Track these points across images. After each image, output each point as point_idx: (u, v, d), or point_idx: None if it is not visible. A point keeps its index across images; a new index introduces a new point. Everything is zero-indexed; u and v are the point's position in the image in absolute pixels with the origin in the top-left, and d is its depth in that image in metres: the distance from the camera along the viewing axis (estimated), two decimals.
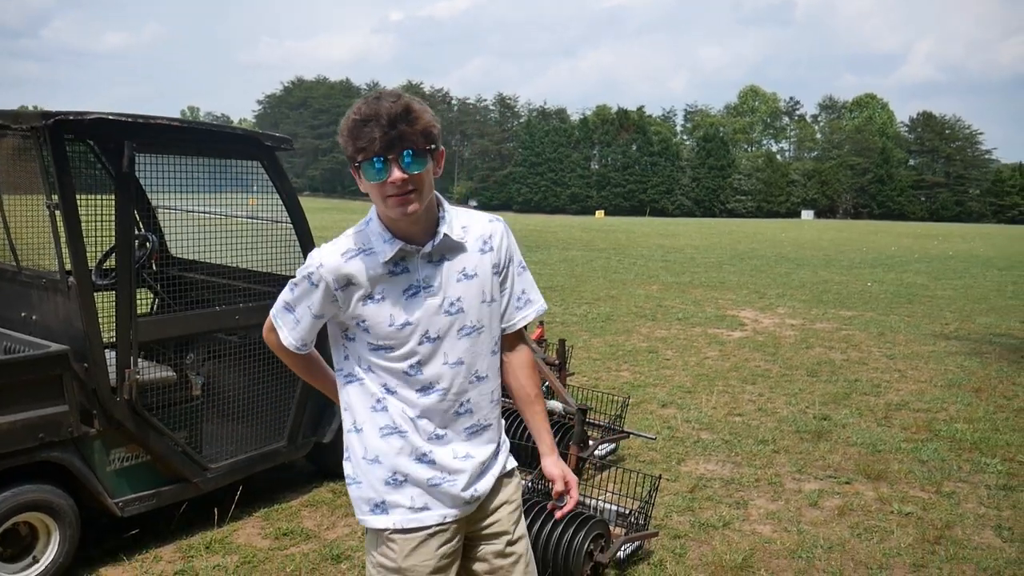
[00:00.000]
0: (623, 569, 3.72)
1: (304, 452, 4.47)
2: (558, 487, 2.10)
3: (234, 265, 4.09)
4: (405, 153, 1.73)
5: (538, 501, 3.66)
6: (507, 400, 2.25)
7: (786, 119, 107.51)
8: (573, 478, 2.12)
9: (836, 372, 7.82)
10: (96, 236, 3.62)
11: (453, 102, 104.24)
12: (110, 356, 3.53)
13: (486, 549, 2.04)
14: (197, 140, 4.00)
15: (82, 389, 3.45)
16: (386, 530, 1.93)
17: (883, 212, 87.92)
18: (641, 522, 3.80)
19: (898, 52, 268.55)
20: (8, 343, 3.66)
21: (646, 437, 5.31)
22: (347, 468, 1.99)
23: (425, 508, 1.92)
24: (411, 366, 1.88)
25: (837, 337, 9.71)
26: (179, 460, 3.78)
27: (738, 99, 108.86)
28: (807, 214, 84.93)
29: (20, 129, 3.42)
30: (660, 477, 4.03)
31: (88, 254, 3.48)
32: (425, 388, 1.89)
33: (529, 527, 3.41)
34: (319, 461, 4.68)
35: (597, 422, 5.19)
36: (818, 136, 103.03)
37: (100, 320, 3.51)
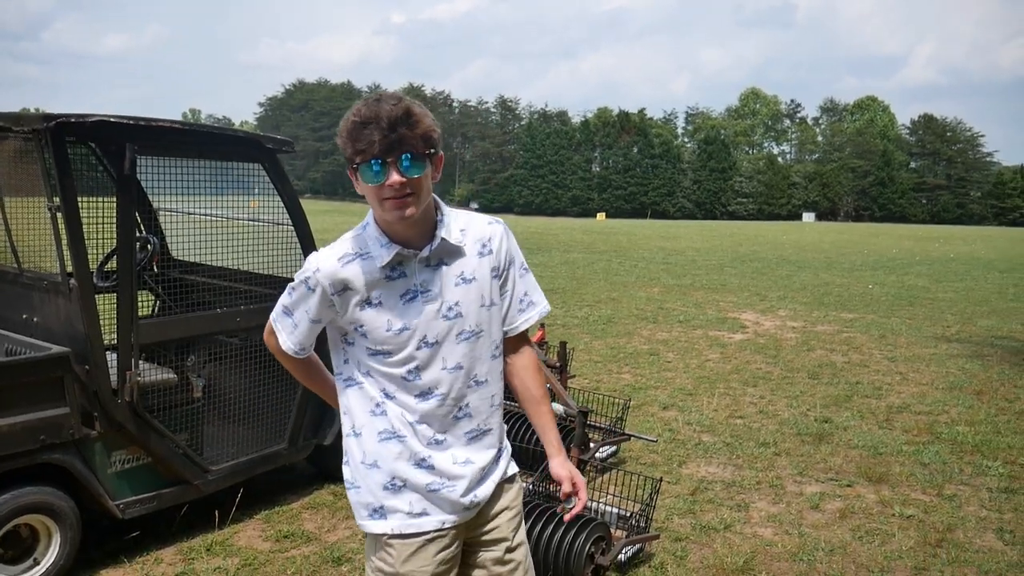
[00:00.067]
0: (624, 572, 3.71)
1: (305, 454, 4.47)
2: (566, 488, 2.07)
3: (235, 267, 4.09)
4: (404, 157, 1.71)
5: (539, 504, 3.66)
6: (509, 403, 2.25)
7: (787, 121, 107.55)
8: (581, 479, 2.08)
9: (837, 374, 7.82)
10: (97, 238, 3.63)
11: (454, 104, 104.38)
12: (111, 358, 3.53)
13: (485, 556, 2.03)
14: (198, 142, 4.00)
15: (83, 391, 3.45)
16: (384, 535, 1.92)
17: (884, 214, 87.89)
18: (642, 525, 3.79)
19: (899, 54, 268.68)
20: (9, 345, 3.67)
21: (647, 439, 5.31)
22: (346, 472, 1.98)
23: (424, 513, 1.91)
24: (409, 371, 1.86)
25: (838, 339, 9.70)
26: (180, 462, 3.78)
27: (739, 101, 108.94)
28: (808, 216, 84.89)
29: (22, 131, 3.42)
30: (661, 480, 4.03)
31: (89, 256, 3.48)
32: (424, 393, 1.88)
33: (530, 530, 3.41)
34: (320, 463, 4.68)
35: (598, 424, 5.18)
36: (819, 139, 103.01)
37: (101, 322, 3.52)
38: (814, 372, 7.90)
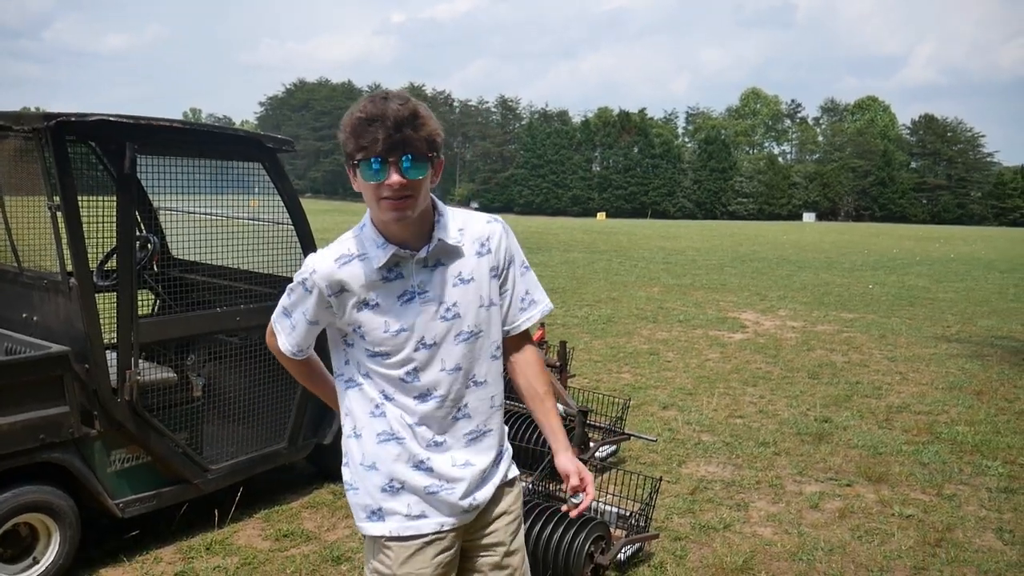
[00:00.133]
0: (624, 571, 3.72)
1: (305, 454, 4.47)
2: (573, 482, 2.01)
3: (235, 267, 4.09)
4: (406, 158, 1.70)
5: (538, 503, 3.66)
6: (510, 403, 2.24)
7: (788, 121, 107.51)
8: (589, 475, 2.04)
9: (837, 374, 7.82)
10: (97, 237, 3.63)
11: (455, 104, 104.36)
12: (111, 357, 3.54)
13: (482, 560, 2.02)
14: (198, 142, 4.00)
15: (83, 390, 3.46)
16: (382, 537, 1.91)
17: (885, 214, 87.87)
18: (642, 524, 3.80)
19: (900, 55, 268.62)
20: (9, 344, 3.67)
21: (647, 439, 5.31)
22: (346, 474, 1.98)
23: (422, 516, 1.90)
24: (408, 373, 1.85)
25: (838, 339, 9.70)
26: (180, 461, 3.78)
27: (740, 101, 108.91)
28: (808, 216, 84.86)
29: (22, 131, 3.43)
30: (661, 479, 4.03)
31: (89, 255, 3.48)
32: (423, 395, 1.87)
33: (530, 529, 3.41)
34: (320, 463, 4.68)
35: (598, 424, 5.19)
36: (820, 139, 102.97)
37: (101, 321, 3.52)
38: (814, 372, 7.90)
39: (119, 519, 3.63)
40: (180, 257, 4.39)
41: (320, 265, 1.84)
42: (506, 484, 2.03)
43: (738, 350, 8.93)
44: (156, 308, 4.43)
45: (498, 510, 2.01)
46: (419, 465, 1.88)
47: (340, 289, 1.83)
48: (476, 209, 2.37)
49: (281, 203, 4.17)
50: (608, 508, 3.92)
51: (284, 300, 1.95)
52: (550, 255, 20.72)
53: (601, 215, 74.95)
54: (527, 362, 2.05)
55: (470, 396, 1.91)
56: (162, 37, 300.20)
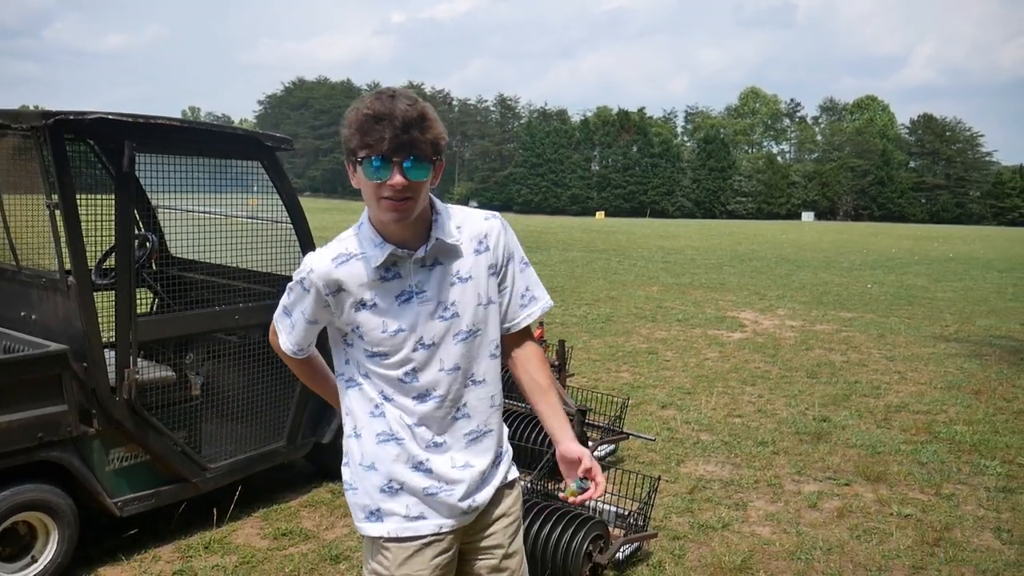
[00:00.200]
0: (622, 570, 3.72)
1: (303, 452, 4.47)
2: (585, 464, 1.90)
3: (234, 265, 4.09)
4: (410, 159, 1.69)
5: (537, 502, 3.66)
6: (510, 403, 2.23)
7: (787, 121, 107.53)
8: (597, 464, 1.95)
9: (836, 374, 7.82)
10: (96, 236, 3.62)
11: (454, 103, 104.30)
12: (109, 356, 3.53)
13: (480, 563, 2.01)
14: (197, 140, 4.00)
15: (81, 389, 3.45)
16: (380, 538, 1.90)
17: (883, 214, 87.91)
18: (640, 523, 3.79)
19: (899, 54, 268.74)
20: (7, 342, 3.66)
21: (645, 438, 5.31)
22: (345, 474, 1.97)
23: (421, 517, 1.89)
24: (406, 373, 1.84)
25: (837, 339, 9.70)
26: (178, 460, 3.78)
27: (739, 101, 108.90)
28: (807, 216, 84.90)
29: (20, 129, 3.42)
30: (659, 478, 4.03)
31: (88, 254, 3.47)
32: (422, 395, 1.86)
33: (528, 528, 3.41)
34: (318, 461, 4.67)
35: (597, 423, 5.19)
36: (819, 138, 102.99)
37: (100, 320, 3.51)
38: (813, 371, 7.90)
39: (118, 518, 3.63)
40: (179, 256, 4.38)
41: (317, 264, 1.83)
42: (506, 486, 2.02)
43: (737, 349, 8.93)
44: (155, 307, 4.43)
45: (497, 512, 2.00)
46: (418, 466, 1.87)
47: (337, 288, 1.82)
48: (475, 207, 2.33)
49: (280, 202, 4.16)
50: (607, 507, 3.92)
51: (284, 299, 1.95)
52: (549, 254, 20.72)
53: (600, 214, 74.95)
54: (528, 357, 2.03)
55: (469, 396, 1.90)
56: (162, 37, 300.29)
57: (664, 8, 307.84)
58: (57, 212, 3.34)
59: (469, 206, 2.11)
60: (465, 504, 1.91)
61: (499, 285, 1.94)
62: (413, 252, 1.81)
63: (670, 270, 17.75)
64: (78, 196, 3.39)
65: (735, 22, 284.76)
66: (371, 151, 1.68)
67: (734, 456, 5.35)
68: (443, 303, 1.84)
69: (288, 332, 1.97)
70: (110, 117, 3.40)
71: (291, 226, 4.17)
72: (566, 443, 1.94)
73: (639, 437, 5.23)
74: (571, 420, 4.56)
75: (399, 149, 1.67)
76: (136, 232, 4.03)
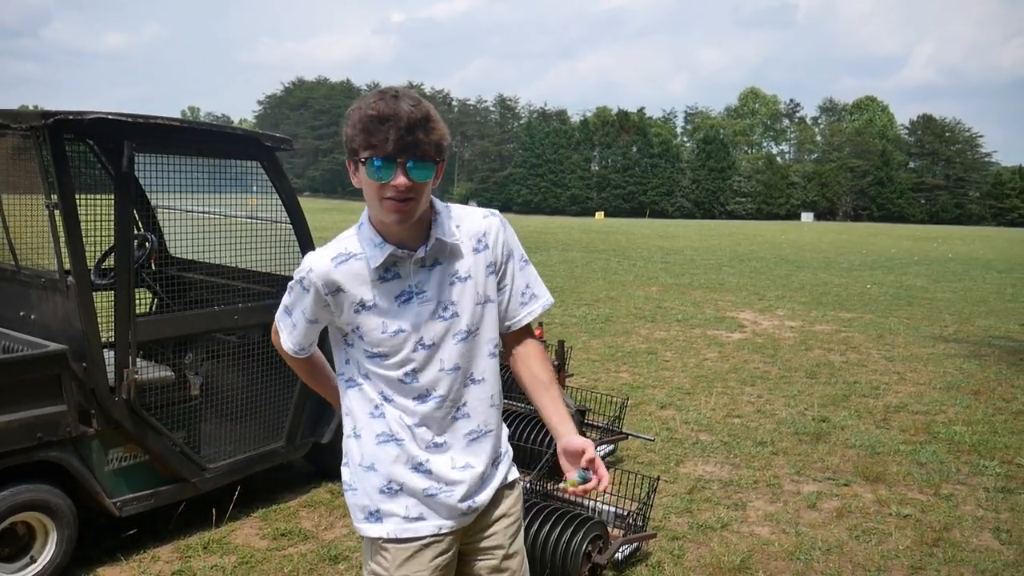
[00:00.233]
0: (621, 570, 3.72)
1: (302, 452, 4.47)
2: (589, 455, 1.83)
3: (233, 265, 4.09)
4: (414, 160, 1.68)
5: (536, 502, 3.66)
6: (510, 403, 2.22)
7: (786, 121, 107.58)
8: (600, 459, 1.86)
9: (835, 374, 7.82)
10: (95, 236, 3.62)
11: (453, 103, 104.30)
12: (109, 356, 3.53)
13: (481, 563, 2.00)
14: (197, 140, 3.99)
15: (80, 389, 3.45)
16: (380, 539, 1.89)
17: (883, 214, 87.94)
18: (639, 523, 3.80)
19: (898, 55, 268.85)
20: (7, 342, 3.66)
21: (645, 438, 5.31)
22: (345, 474, 1.96)
23: (420, 518, 1.88)
24: (406, 374, 1.84)
25: (836, 339, 9.71)
26: (177, 460, 3.78)
27: (738, 101, 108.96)
28: (807, 216, 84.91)
29: (19, 128, 3.42)
30: (658, 478, 4.03)
31: (87, 254, 3.48)
32: (422, 396, 1.85)
33: (527, 528, 3.41)
34: (317, 461, 4.67)
35: (596, 423, 5.19)
36: (818, 138, 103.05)
37: (99, 320, 3.51)
38: (812, 371, 7.90)
39: (117, 518, 3.63)
40: (178, 256, 4.38)
41: (317, 264, 1.82)
42: (506, 487, 2.01)
43: (736, 350, 8.93)
44: (154, 307, 4.43)
45: (497, 512, 1.99)
46: (418, 467, 1.87)
47: (336, 288, 1.81)
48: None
49: (279, 202, 4.16)
50: (606, 507, 3.92)
51: (285, 299, 1.95)
52: (548, 254, 20.72)
53: (599, 214, 74.95)
54: (529, 353, 2.01)
55: (469, 395, 1.90)
56: (161, 36, 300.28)
57: (663, 8, 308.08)
58: (56, 212, 3.33)
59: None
60: (465, 505, 1.90)
61: (498, 283, 1.93)
62: (413, 252, 1.81)
63: (669, 270, 17.76)
64: (77, 196, 3.39)
65: (734, 22, 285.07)
66: (375, 152, 1.68)
67: (733, 456, 5.35)
68: (443, 303, 1.84)
69: (290, 332, 1.97)
70: (109, 117, 3.40)
71: (290, 226, 4.17)
72: (568, 437, 1.89)
73: (638, 437, 5.23)
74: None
75: (403, 150, 1.67)
76: (135, 232, 4.03)
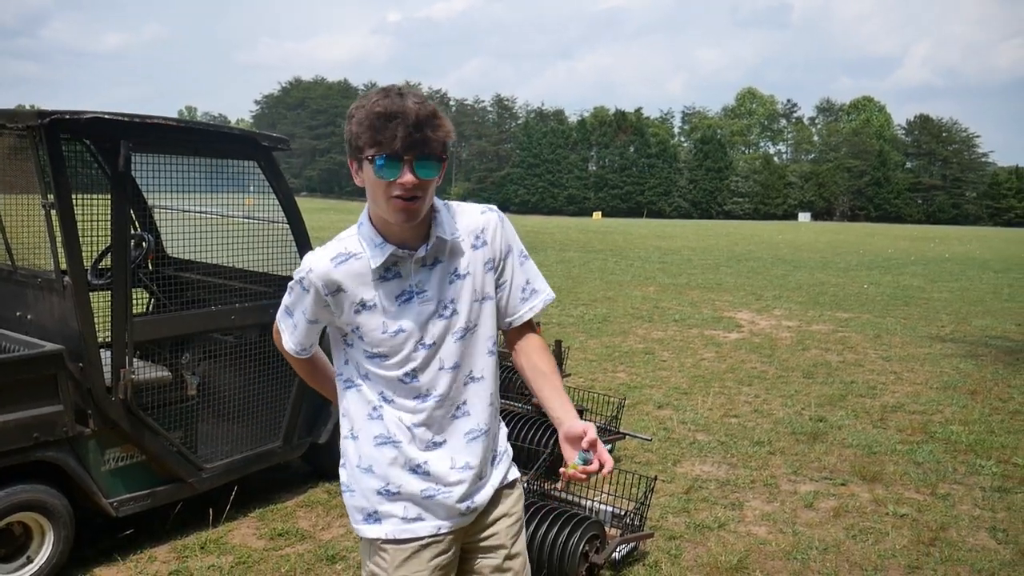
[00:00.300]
0: (618, 570, 3.72)
1: (299, 452, 4.47)
2: (591, 436, 1.78)
3: (230, 265, 4.08)
4: (422, 157, 1.67)
5: (534, 502, 3.67)
6: (509, 403, 2.21)
7: (783, 121, 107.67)
8: (602, 444, 1.82)
9: (832, 374, 7.83)
10: (92, 236, 3.62)
11: (451, 103, 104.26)
12: (105, 356, 3.52)
13: (482, 562, 1.99)
14: (194, 140, 3.99)
15: (77, 389, 3.44)
16: (378, 540, 1.89)
17: (880, 214, 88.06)
18: (636, 523, 3.80)
19: (895, 55, 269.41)
20: (3, 342, 3.66)
21: (642, 438, 5.31)
22: (343, 475, 1.96)
23: (418, 519, 1.88)
24: (406, 373, 1.83)
25: (833, 339, 9.72)
26: (174, 460, 3.77)
27: (735, 101, 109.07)
28: (804, 216, 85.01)
29: (16, 128, 3.41)
30: (656, 478, 4.03)
31: (84, 253, 3.47)
32: (422, 395, 1.84)
33: (525, 527, 3.41)
34: (314, 461, 4.67)
35: (593, 423, 5.18)
36: (815, 139, 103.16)
37: (95, 320, 3.51)
38: (809, 371, 7.91)
39: (113, 518, 3.63)
40: (175, 255, 4.38)
41: (317, 264, 1.81)
42: (506, 486, 2.00)
43: (733, 349, 8.94)
44: (151, 307, 4.42)
45: (498, 512, 1.99)
46: (415, 469, 1.86)
47: (337, 288, 1.80)
48: None
49: (276, 202, 4.16)
50: (603, 507, 3.92)
51: (285, 299, 1.94)
52: (546, 254, 20.71)
53: (597, 214, 74.93)
54: (531, 346, 1.99)
55: (469, 393, 1.89)
56: (160, 36, 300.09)
57: (661, 8, 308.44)
58: (53, 212, 3.33)
59: None
60: (463, 506, 1.90)
61: (497, 280, 1.92)
62: (414, 252, 1.80)
63: (667, 270, 17.76)
64: (74, 196, 3.39)
65: (732, 22, 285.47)
66: (381, 149, 1.66)
67: (730, 456, 5.36)
68: (443, 302, 1.83)
69: (291, 332, 1.96)
70: (106, 117, 3.40)
71: (287, 226, 4.17)
72: (570, 422, 1.84)
73: (635, 437, 5.24)
74: None
75: (411, 147, 1.65)
76: (132, 232, 4.03)
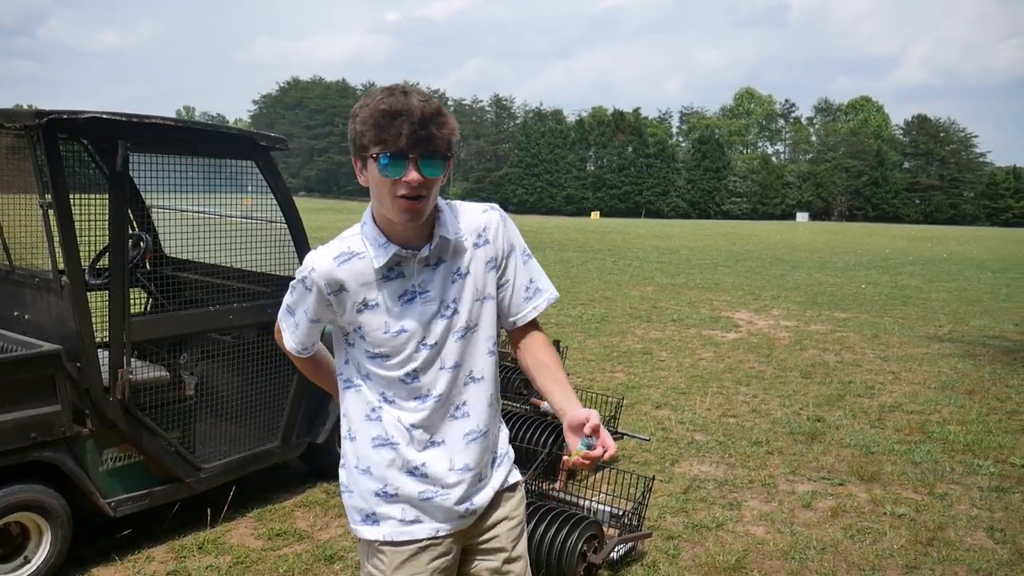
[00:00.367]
0: (616, 570, 3.72)
1: (298, 452, 4.47)
2: (594, 422, 1.75)
3: (228, 265, 4.08)
4: (427, 155, 1.66)
5: (532, 502, 3.67)
6: (509, 403, 2.21)
7: (781, 121, 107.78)
8: (606, 431, 1.79)
9: (830, 374, 7.84)
10: (90, 235, 3.61)
11: (449, 103, 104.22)
12: (103, 356, 3.52)
13: (482, 565, 1.98)
14: (192, 139, 3.98)
15: (75, 389, 3.44)
16: (376, 541, 1.88)
17: (878, 214, 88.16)
18: (635, 523, 3.80)
19: (893, 55, 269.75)
20: (1, 342, 3.65)
21: (640, 438, 5.32)
22: (342, 475, 1.95)
23: (416, 521, 1.87)
24: (407, 374, 1.82)
25: (831, 339, 9.73)
26: (172, 460, 3.77)
27: (734, 101, 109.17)
28: (802, 216, 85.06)
29: (14, 128, 3.40)
30: (654, 478, 4.04)
31: (82, 253, 3.46)
32: (422, 396, 1.83)
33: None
34: (313, 461, 4.67)
35: (596, 411, 5.18)
36: (813, 138, 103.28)
37: (93, 320, 3.51)
38: (807, 371, 7.91)
39: (111, 518, 3.62)
40: (173, 255, 4.37)
41: (319, 263, 1.80)
42: (507, 489, 1.99)
43: (731, 349, 8.94)
44: (148, 306, 4.42)
45: (499, 515, 1.98)
46: (413, 471, 1.85)
47: (339, 288, 1.79)
48: None
49: (274, 201, 4.15)
50: (601, 507, 3.92)
51: (287, 298, 1.93)
52: (544, 254, 20.71)
53: (595, 214, 74.95)
54: (534, 343, 1.97)
55: (469, 394, 1.87)
56: (158, 35, 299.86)
57: (660, 8, 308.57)
58: (51, 212, 3.32)
59: None
60: (462, 508, 1.89)
61: (499, 279, 1.91)
62: (417, 252, 1.79)
63: (665, 270, 17.77)
64: (72, 196, 3.38)
65: (730, 22, 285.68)
66: (386, 147, 1.64)
67: (728, 456, 5.36)
68: (445, 301, 1.82)
69: (292, 331, 1.95)
70: (104, 116, 3.39)
71: (285, 226, 4.16)
72: (573, 411, 1.81)
73: (634, 437, 5.24)
74: None
75: (417, 145, 1.64)
76: (130, 232, 4.02)
